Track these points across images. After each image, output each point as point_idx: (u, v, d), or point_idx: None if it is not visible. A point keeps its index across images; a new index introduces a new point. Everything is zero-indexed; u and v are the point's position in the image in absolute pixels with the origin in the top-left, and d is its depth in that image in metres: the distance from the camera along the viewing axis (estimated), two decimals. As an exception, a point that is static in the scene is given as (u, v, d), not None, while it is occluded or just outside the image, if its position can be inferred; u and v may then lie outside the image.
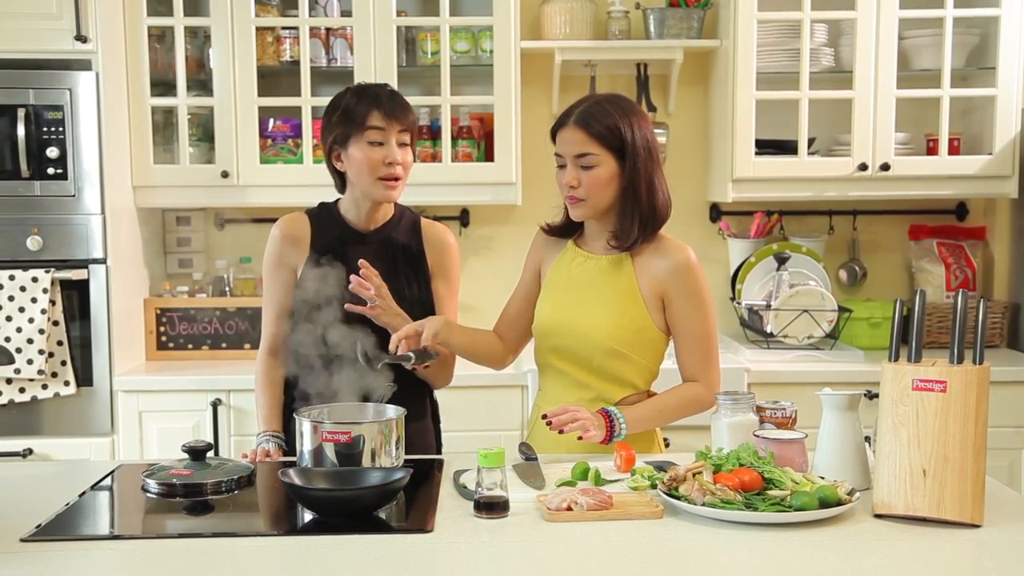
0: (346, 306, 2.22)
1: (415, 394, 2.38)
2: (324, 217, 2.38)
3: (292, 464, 2.01)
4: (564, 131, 2.17)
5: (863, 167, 3.46)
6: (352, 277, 2.23)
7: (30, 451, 3.23)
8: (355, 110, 2.27)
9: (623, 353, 2.18)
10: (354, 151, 2.27)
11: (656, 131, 3.65)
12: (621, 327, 2.18)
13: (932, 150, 3.54)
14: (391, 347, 2.15)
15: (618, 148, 2.13)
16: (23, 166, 3.18)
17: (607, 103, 2.17)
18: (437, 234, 2.43)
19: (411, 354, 2.16)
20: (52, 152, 3.20)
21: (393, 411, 2.06)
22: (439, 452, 2.46)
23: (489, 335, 2.39)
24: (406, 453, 2.06)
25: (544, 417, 2.06)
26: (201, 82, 3.59)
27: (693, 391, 2.22)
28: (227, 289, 3.68)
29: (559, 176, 2.19)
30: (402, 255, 2.37)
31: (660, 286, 2.18)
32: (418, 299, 2.34)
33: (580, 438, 2.05)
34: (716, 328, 2.24)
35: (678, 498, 1.78)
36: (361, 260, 2.26)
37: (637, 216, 2.16)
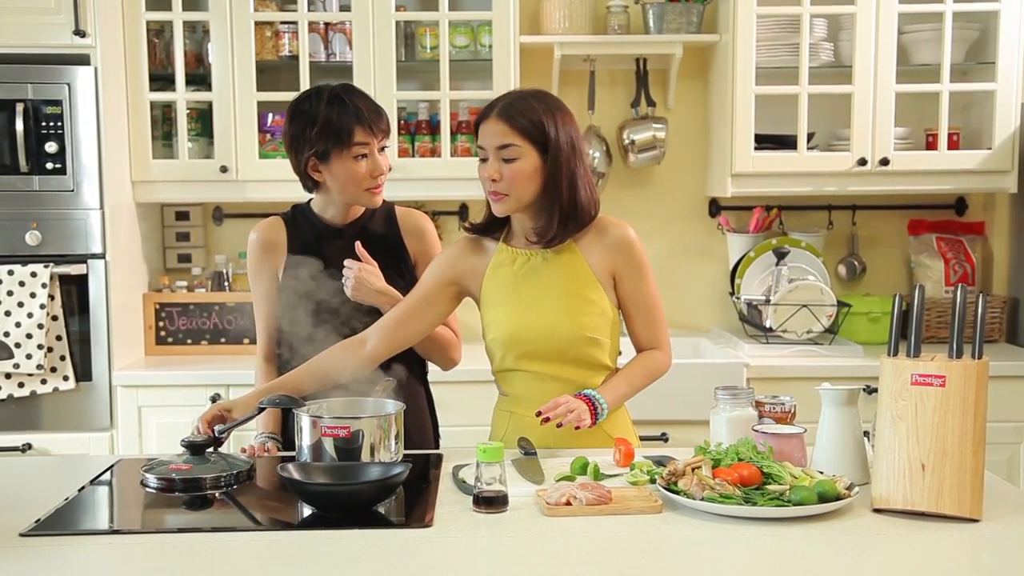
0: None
1: (413, 389, 2.38)
2: (298, 218, 2.38)
3: (291, 459, 2.01)
4: (487, 123, 2.13)
5: (862, 162, 3.45)
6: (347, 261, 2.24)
7: (29, 446, 3.23)
8: (337, 126, 2.21)
9: (597, 339, 2.18)
10: (338, 166, 2.24)
11: (655, 126, 3.69)
12: (592, 313, 2.17)
13: (931, 145, 3.54)
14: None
15: (541, 142, 2.10)
16: (22, 161, 3.18)
17: (532, 98, 2.14)
18: (414, 221, 2.41)
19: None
20: (51, 147, 3.19)
21: (392, 406, 2.06)
22: (437, 446, 2.46)
23: (316, 367, 2.19)
24: (404, 448, 2.06)
25: (539, 414, 2.05)
26: (200, 77, 3.58)
27: (655, 360, 2.24)
28: (226, 284, 3.68)
29: (481, 170, 2.14)
30: (380, 245, 2.35)
31: (611, 264, 2.18)
32: (402, 287, 2.31)
33: (577, 427, 2.05)
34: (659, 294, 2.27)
35: (677, 493, 1.78)
36: (357, 242, 2.27)
37: (558, 213, 2.13)
